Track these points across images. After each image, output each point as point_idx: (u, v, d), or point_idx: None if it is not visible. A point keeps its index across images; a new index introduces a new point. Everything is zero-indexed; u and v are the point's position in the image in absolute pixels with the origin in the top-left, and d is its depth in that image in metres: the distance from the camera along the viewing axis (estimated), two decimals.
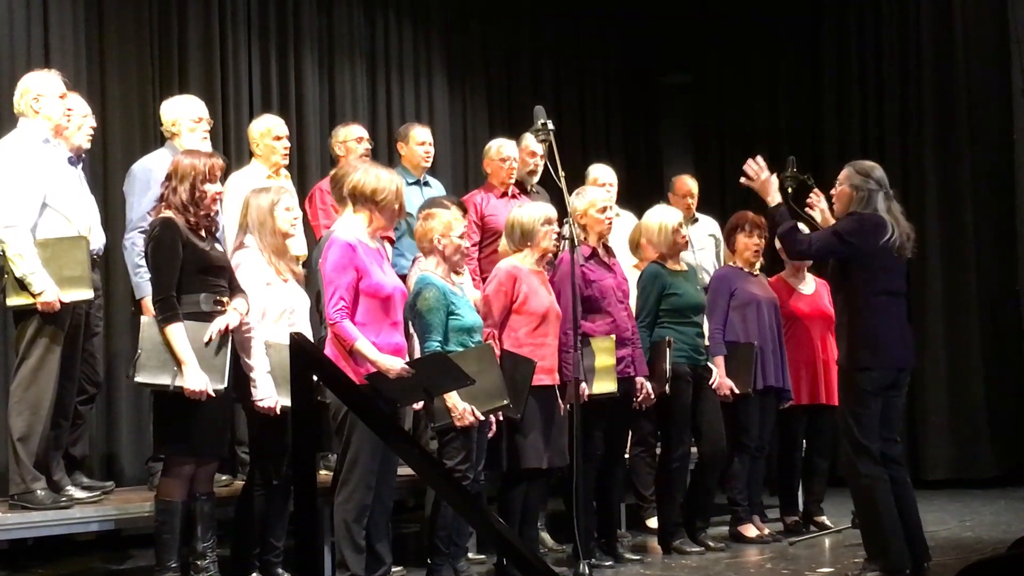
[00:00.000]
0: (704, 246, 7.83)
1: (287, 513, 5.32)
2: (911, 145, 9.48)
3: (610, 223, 6.26)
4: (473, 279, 6.32)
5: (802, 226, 6.02)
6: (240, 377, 5.11)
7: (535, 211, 5.92)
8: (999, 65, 9.15)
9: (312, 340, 5.06)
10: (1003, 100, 9.11)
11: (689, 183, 8.12)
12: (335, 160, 6.89)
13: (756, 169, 5.72)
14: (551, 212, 5.92)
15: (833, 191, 5.69)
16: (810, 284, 7.28)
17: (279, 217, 5.31)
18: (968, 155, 9.23)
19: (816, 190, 5.99)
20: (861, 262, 5.48)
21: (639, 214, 6.97)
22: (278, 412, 5.12)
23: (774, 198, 5.72)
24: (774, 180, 5.75)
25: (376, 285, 5.01)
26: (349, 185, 5.18)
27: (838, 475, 6.27)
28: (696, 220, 8.05)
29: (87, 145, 5.77)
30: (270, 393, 5.11)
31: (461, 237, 5.53)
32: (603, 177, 7.48)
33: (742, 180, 5.78)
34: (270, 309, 5.23)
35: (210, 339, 4.88)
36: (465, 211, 6.23)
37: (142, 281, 5.51)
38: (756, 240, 6.94)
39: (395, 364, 4.96)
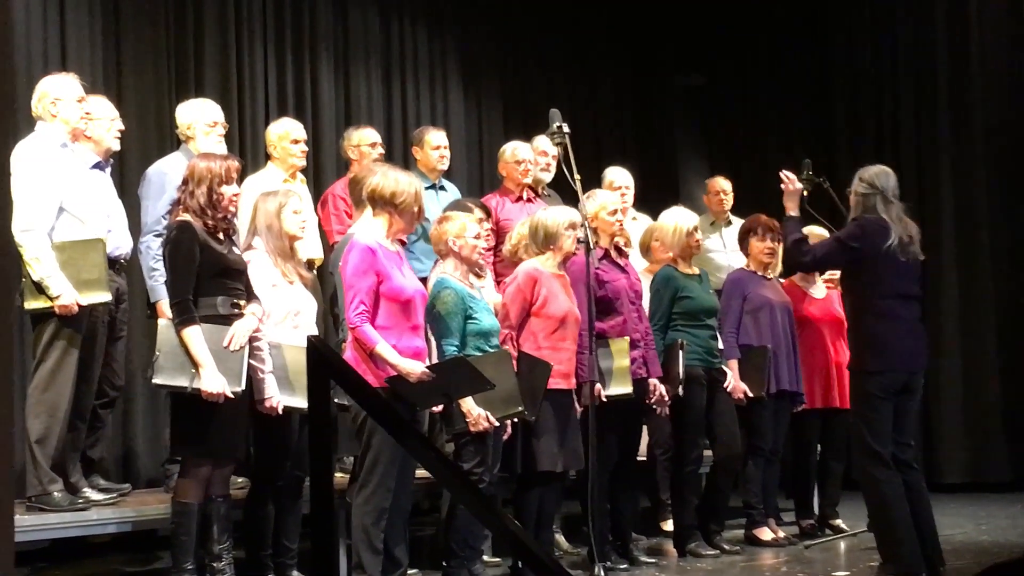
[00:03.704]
0: (737, 248, 7.88)
1: (298, 514, 5.33)
2: (925, 145, 9.46)
3: (621, 225, 6.26)
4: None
5: (817, 229, 6.02)
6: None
7: (560, 214, 5.91)
8: (1016, 63, 9.11)
9: None
10: (1020, 97, 9.07)
11: (722, 183, 8.28)
12: (348, 163, 6.90)
13: (791, 179, 5.88)
14: (576, 216, 5.88)
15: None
16: (821, 288, 7.27)
17: (286, 220, 5.31)
18: (983, 154, 9.20)
19: None
20: (866, 265, 5.49)
21: (655, 217, 6.96)
22: (280, 412, 5.13)
23: (794, 210, 5.84)
24: (800, 194, 5.93)
25: (396, 288, 5.02)
26: (368, 188, 5.19)
27: (853, 478, 6.26)
28: (730, 223, 8.08)
29: (116, 147, 5.75)
30: (274, 393, 5.11)
31: (477, 238, 5.53)
32: (619, 180, 7.47)
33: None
34: (274, 310, 5.23)
35: (229, 342, 4.89)
36: (489, 213, 6.24)
37: (157, 284, 5.53)
38: (769, 243, 6.91)
39: (416, 368, 4.96)
